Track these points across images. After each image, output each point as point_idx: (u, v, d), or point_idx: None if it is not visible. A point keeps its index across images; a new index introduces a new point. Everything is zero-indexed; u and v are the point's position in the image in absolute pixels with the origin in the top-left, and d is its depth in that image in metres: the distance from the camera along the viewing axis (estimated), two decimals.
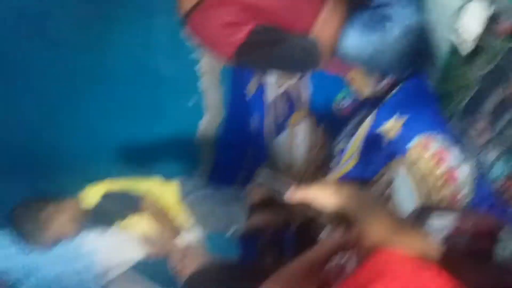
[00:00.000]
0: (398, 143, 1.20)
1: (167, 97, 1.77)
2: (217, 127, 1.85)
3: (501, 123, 1.06)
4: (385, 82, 1.42)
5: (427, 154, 1.13)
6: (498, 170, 1.04)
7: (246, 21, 1.22)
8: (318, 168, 1.55)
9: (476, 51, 1.14)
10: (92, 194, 1.35)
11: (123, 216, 1.37)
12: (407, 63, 1.29)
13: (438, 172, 1.09)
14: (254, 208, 1.51)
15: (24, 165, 1.58)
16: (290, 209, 1.45)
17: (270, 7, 1.23)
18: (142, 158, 1.79)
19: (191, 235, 1.47)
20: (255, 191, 1.55)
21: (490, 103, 1.11)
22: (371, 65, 1.29)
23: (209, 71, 1.76)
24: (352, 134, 1.36)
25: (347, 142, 1.37)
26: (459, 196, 1.05)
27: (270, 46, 1.24)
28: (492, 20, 1.07)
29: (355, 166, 1.29)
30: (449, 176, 1.08)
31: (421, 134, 1.16)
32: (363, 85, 1.47)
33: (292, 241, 1.46)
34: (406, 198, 1.14)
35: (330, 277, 0.77)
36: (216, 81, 1.79)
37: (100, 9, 1.64)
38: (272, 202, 1.51)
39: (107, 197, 1.34)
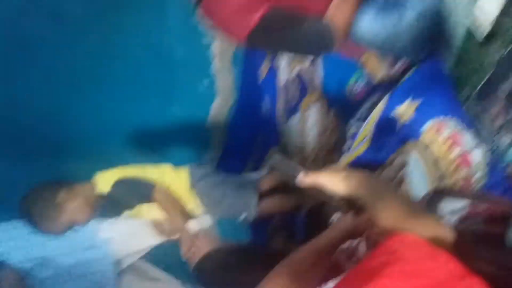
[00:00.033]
0: (411, 126, 1.18)
1: (179, 80, 1.77)
2: (228, 111, 1.85)
3: None
4: (399, 65, 1.40)
5: (440, 138, 1.12)
6: (510, 155, 1.03)
7: (260, 3, 1.21)
8: (329, 152, 1.54)
9: (492, 34, 1.11)
10: (105, 181, 1.36)
11: (134, 203, 1.38)
12: (422, 47, 1.27)
13: (451, 156, 1.08)
14: (265, 193, 1.51)
15: (36, 149, 1.59)
16: (301, 193, 1.46)
17: None
18: (153, 141, 1.79)
19: (201, 222, 1.49)
20: (267, 178, 1.56)
21: (505, 88, 1.09)
22: (385, 49, 1.27)
23: (221, 54, 1.76)
24: (365, 118, 1.35)
25: (360, 126, 1.36)
26: (472, 180, 1.04)
27: (284, 29, 1.23)
28: (510, 2, 1.04)
29: (367, 150, 1.28)
30: (462, 160, 1.07)
31: (434, 118, 1.15)
32: (377, 68, 1.45)
33: (302, 225, 1.47)
34: (419, 182, 1.13)
35: (340, 261, 0.78)
36: (228, 64, 1.79)
37: None
38: (282, 188, 1.52)
39: (119, 184, 1.35)
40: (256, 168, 1.76)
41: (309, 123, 1.59)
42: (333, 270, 0.76)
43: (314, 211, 1.37)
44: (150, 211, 1.40)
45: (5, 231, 1.43)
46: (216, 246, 1.30)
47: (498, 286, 0.52)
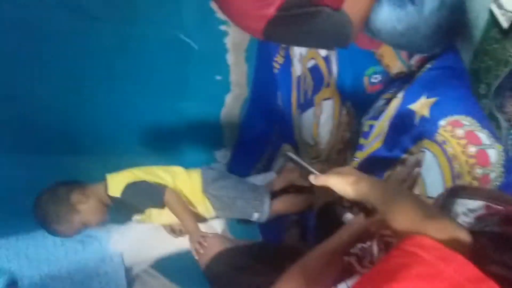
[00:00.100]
0: (427, 124, 1.17)
1: (193, 74, 1.75)
2: (242, 105, 1.84)
3: None
4: (416, 59, 1.39)
5: (456, 136, 1.10)
6: None
7: None
8: (343, 148, 1.53)
9: None
10: (116, 183, 1.35)
11: (145, 207, 1.37)
12: (441, 40, 1.24)
13: (467, 154, 1.07)
14: (277, 193, 1.52)
15: (48, 147, 1.59)
16: (312, 193, 1.45)
17: None
18: (165, 137, 1.79)
19: (213, 224, 1.49)
20: (278, 179, 1.57)
21: None
22: (403, 42, 1.24)
23: (236, 47, 1.75)
24: (381, 113, 1.33)
25: (375, 120, 1.34)
26: (488, 178, 1.03)
27: (300, 20, 1.22)
28: None
29: (381, 147, 1.27)
30: (479, 158, 1.05)
31: (450, 115, 1.14)
32: (393, 62, 1.43)
33: (313, 224, 1.47)
34: (434, 181, 1.12)
35: (352, 263, 0.79)
36: (242, 56, 1.77)
37: None
38: (294, 188, 1.52)
39: (130, 187, 1.34)
40: (268, 163, 1.77)
41: (323, 116, 1.58)
42: (345, 272, 0.77)
43: (325, 211, 1.36)
44: (161, 215, 1.39)
45: (15, 246, 1.43)
46: (227, 246, 1.28)
47: None
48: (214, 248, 1.27)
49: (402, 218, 0.63)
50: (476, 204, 0.78)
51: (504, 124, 1.10)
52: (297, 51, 1.58)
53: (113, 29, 1.61)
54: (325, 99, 1.57)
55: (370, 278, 0.60)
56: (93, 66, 1.61)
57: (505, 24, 1.09)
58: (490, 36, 1.18)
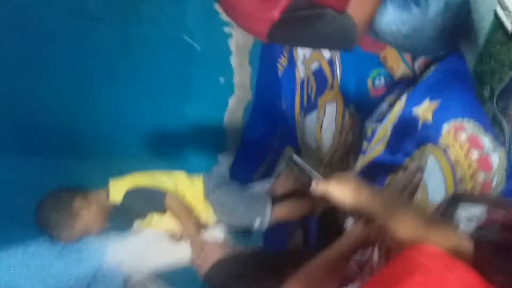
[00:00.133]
0: (430, 128, 1.16)
1: (197, 76, 1.75)
2: (245, 108, 1.84)
3: None
4: (420, 61, 1.38)
5: (458, 141, 1.09)
6: None
7: None
8: (345, 153, 1.53)
9: None
10: (118, 189, 1.36)
11: (147, 212, 1.37)
12: (446, 42, 1.24)
13: (470, 159, 1.06)
14: (278, 199, 1.51)
15: (49, 150, 1.59)
16: (314, 198, 1.43)
17: None
18: (168, 140, 1.79)
19: (216, 231, 1.48)
20: (279, 184, 1.56)
21: None
22: (407, 45, 1.24)
23: (239, 49, 1.74)
24: (384, 117, 1.33)
25: (378, 124, 1.34)
26: (491, 185, 1.01)
27: (305, 23, 1.21)
28: None
29: (384, 151, 1.26)
30: (481, 164, 1.04)
31: (453, 119, 1.12)
32: (396, 65, 1.43)
33: (315, 229, 1.47)
34: (436, 186, 1.10)
35: (353, 270, 0.79)
36: (246, 59, 1.77)
37: None
38: (295, 193, 1.51)
39: (132, 193, 1.35)
40: (271, 167, 1.76)
41: (326, 120, 1.57)
42: (347, 279, 0.77)
43: (327, 216, 1.36)
44: (162, 220, 1.39)
45: (15, 256, 1.42)
46: (227, 253, 1.27)
47: None
48: (215, 255, 1.26)
49: (405, 227, 0.64)
50: (477, 210, 0.78)
51: (507, 128, 1.10)
52: (301, 53, 1.57)
53: (116, 31, 1.61)
54: (329, 102, 1.56)
55: (374, 285, 0.61)
56: (95, 68, 1.61)
57: (510, 26, 1.08)
58: (494, 39, 1.17)
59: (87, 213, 1.30)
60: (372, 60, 1.45)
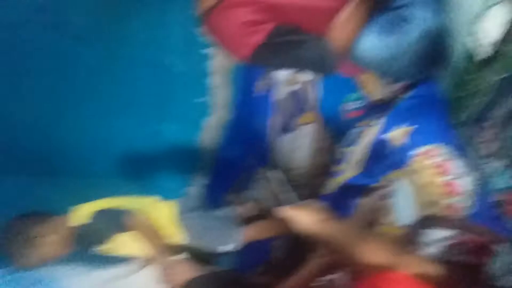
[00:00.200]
0: (403, 152, 1.18)
1: (175, 96, 1.75)
2: (222, 126, 1.82)
3: (508, 133, 1.05)
4: (396, 86, 1.39)
5: (430, 164, 1.11)
6: (501, 183, 1.02)
7: (265, 21, 1.22)
8: (321, 172, 1.53)
9: (493, 56, 1.11)
10: (81, 214, 1.33)
11: (110, 234, 1.35)
12: (422, 68, 1.27)
13: (440, 182, 1.08)
14: (249, 220, 1.51)
15: (23, 166, 1.56)
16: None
17: (289, 7, 1.23)
18: (145, 154, 1.77)
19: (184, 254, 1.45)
20: (250, 205, 1.57)
21: (499, 112, 1.09)
22: (385, 69, 1.27)
23: (220, 69, 1.74)
24: (358, 139, 1.34)
25: (352, 146, 1.36)
26: (459, 209, 1.02)
27: (288, 48, 1.23)
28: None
29: (357, 173, 1.28)
30: (450, 188, 1.06)
31: (426, 144, 1.15)
32: (374, 88, 1.45)
33: (285, 249, 1.47)
34: (405, 208, 1.12)
35: None
36: (226, 79, 1.77)
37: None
38: (266, 213, 1.51)
39: (96, 214, 1.33)
40: (245, 187, 1.74)
41: (303, 141, 1.58)
42: None
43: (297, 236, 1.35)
44: (126, 244, 1.36)
45: None
46: (196, 273, 1.24)
47: None
48: (183, 275, 1.23)
49: (374, 255, 0.65)
50: (446, 233, 0.80)
51: (478, 153, 1.14)
52: (280, 75, 1.59)
53: (95, 50, 1.60)
54: (305, 124, 1.57)
55: None
56: (72, 86, 1.60)
57: (480, 57, 1.13)
58: (466, 67, 1.21)
59: (48, 240, 1.28)
60: (350, 84, 1.47)
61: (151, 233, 1.36)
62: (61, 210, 1.36)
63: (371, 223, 1.18)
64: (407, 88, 1.35)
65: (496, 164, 1.06)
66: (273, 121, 1.65)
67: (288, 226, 1.42)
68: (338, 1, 1.22)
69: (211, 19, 1.28)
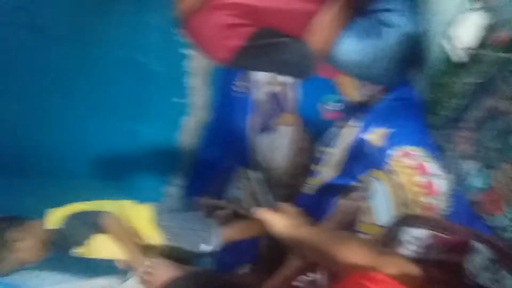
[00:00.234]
0: (380, 153, 1.20)
1: (152, 97, 1.73)
2: (201, 127, 1.82)
3: (483, 135, 1.06)
4: (374, 89, 1.41)
5: (406, 165, 1.13)
6: (476, 183, 1.03)
7: (245, 25, 1.22)
8: (300, 172, 1.54)
9: (469, 60, 1.13)
10: (55, 217, 1.31)
11: (85, 236, 1.32)
12: (399, 72, 1.29)
13: (416, 183, 1.10)
14: (228, 220, 1.50)
15: None
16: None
17: (269, 11, 1.23)
18: (123, 155, 1.75)
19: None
20: (229, 205, 1.55)
21: (474, 114, 1.11)
22: (363, 72, 1.28)
23: (199, 72, 1.74)
24: (336, 140, 1.36)
25: (331, 147, 1.37)
26: (435, 208, 1.05)
27: (267, 51, 1.23)
28: (489, 30, 1.06)
29: (335, 174, 1.29)
30: (427, 188, 1.08)
31: (403, 146, 1.17)
32: (351, 90, 1.46)
33: (265, 248, 1.47)
34: (383, 207, 1.14)
35: None
36: (205, 82, 1.77)
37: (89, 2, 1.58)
38: (245, 215, 1.50)
39: (70, 218, 1.31)
40: (224, 187, 1.73)
41: (281, 142, 1.59)
42: None
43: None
44: (101, 247, 1.33)
45: None
46: (176, 275, 1.22)
47: None
48: (162, 276, 1.21)
49: (352, 256, 0.66)
50: (423, 233, 0.81)
51: (453, 154, 1.16)
52: (259, 76, 1.59)
53: (72, 50, 1.57)
54: (284, 125, 1.58)
55: None
56: (48, 86, 1.56)
57: (455, 58, 1.15)
58: (442, 70, 1.23)
59: (23, 245, 1.25)
60: (327, 85, 1.48)
61: (127, 235, 1.34)
62: (36, 212, 1.33)
63: (349, 223, 1.20)
64: (384, 90, 1.36)
65: (472, 165, 1.07)
66: (252, 121, 1.65)
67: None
68: (318, 4, 1.23)
69: (190, 21, 1.27)
